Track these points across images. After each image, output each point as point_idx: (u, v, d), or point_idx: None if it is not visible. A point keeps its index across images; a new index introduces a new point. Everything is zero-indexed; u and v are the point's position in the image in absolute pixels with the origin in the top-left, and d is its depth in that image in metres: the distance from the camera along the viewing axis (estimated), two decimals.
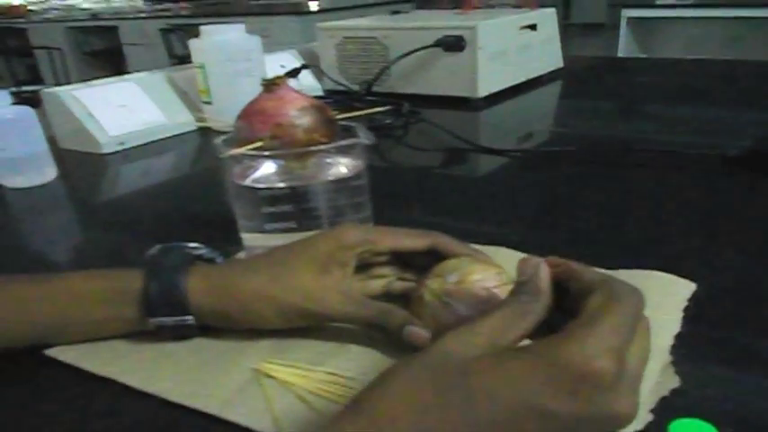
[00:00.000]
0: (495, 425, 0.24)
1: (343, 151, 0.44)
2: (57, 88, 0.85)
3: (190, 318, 0.36)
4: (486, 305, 0.35)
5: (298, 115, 0.42)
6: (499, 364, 0.25)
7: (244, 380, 0.34)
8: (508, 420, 0.24)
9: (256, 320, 0.37)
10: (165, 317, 0.36)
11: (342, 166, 0.45)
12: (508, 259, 0.37)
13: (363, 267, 0.40)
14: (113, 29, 4.05)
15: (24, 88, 3.70)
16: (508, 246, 0.45)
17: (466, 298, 0.35)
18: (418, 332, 0.35)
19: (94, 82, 0.89)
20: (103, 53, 4.30)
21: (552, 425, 0.24)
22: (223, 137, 0.44)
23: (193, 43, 0.87)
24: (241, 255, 0.47)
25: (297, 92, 0.44)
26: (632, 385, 0.25)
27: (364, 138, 0.43)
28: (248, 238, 0.46)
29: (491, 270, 0.36)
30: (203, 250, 0.40)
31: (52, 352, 0.37)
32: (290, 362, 0.35)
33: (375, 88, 1.00)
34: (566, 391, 0.24)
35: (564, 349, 0.25)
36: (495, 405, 0.24)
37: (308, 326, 0.37)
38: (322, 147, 0.42)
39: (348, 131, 0.45)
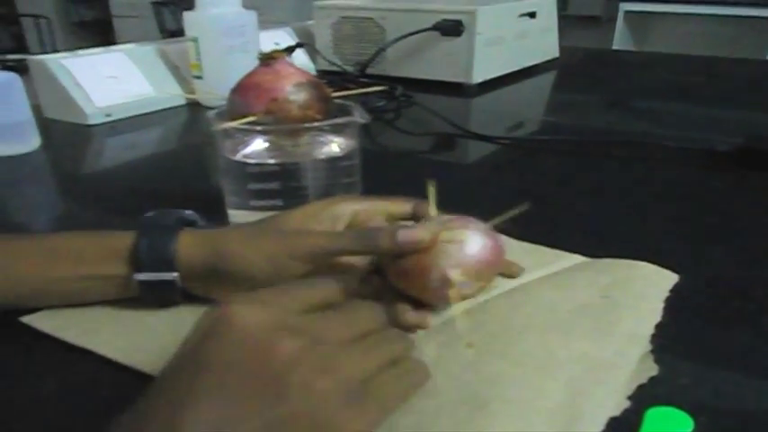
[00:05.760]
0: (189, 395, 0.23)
1: (337, 130, 0.44)
2: (44, 56, 0.83)
3: (175, 274, 0.36)
4: (487, 233, 0.36)
5: (294, 91, 0.42)
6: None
7: None
8: (189, 375, 0.24)
9: (245, 271, 0.35)
10: (150, 272, 0.36)
11: (334, 145, 0.45)
12: None
13: None
14: None
15: (9, 56, 3.63)
16: None
17: (467, 223, 0.36)
18: (412, 231, 0.34)
19: (83, 51, 0.87)
20: (92, 24, 4.22)
21: (207, 369, 0.24)
22: (216, 110, 0.43)
23: (187, 15, 0.85)
24: None
25: (294, 67, 0.44)
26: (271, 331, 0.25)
27: (359, 117, 0.42)
28: (235, 214, 0.46)
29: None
30: (197, 219, 0.40)
31: (29, 319, 0.37)
32: None
33: (369, 70, 0.99)
34: (204, 330, 0.25)
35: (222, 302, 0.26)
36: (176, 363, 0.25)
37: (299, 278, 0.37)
38: (316, 123, 0.42)
39: (343, 110, 0.44)
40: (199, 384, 0.23)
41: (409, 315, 0.34)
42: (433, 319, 0.36)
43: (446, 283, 0.34)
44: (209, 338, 0.25)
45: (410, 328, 0.34)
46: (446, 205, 0.37)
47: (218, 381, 0.23)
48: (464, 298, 0.35)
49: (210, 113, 0.42)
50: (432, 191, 0.36)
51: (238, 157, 0.44)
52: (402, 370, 0.29)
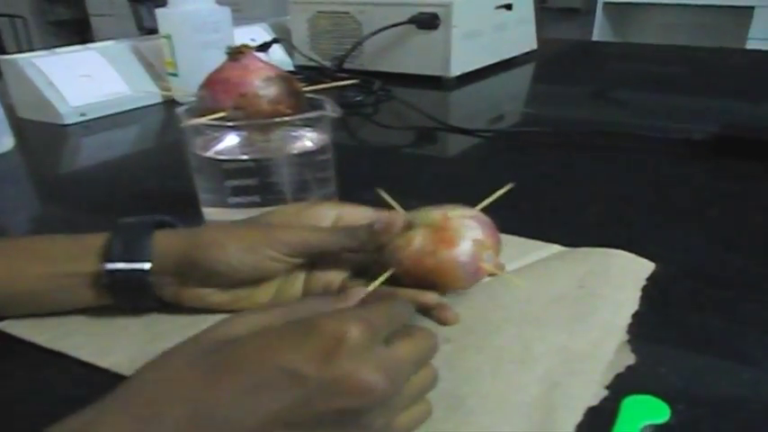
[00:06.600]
0: (256, 389, 0.23)
1: (309, 124, 0.44)
2: (16, 55, 0.82)
3: (147, 265, 0.34)
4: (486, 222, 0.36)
5: (263, 86, 0.41)
6: (259, 330, 0.26)
7: None
8: (263, 384, 0.23)
9: (223, 261, 0.34)
10: (121, 262, 0.34)
11: (307, 140, 0.44)
12: None
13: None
14: None
15: None
16: None
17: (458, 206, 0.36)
18: (389, 217, 0.34)
19: (57, 50, 0.86)
20: (69, 23, 4.15)
21: (301, 388, 0.23)
22: (185, 106, 0.42)
23: (160, 12, 0.84)
24: None
25: (263, 61, 0.43)
26: (388, 368, 0.25)
27: (331, 111, 0.42)
28: (210, 212, 0.45)
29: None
30: (177, 223, 0.39)
31: (1, 326, 0.36)
32: None
33: (347, 65, 0.99)
34: (318, 353, 0.24)
35: (323, 317, 0.25)
36: (252, 369, 0.24)
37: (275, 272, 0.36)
38: (287, 118, 0.41)
39: (315, 104, 0.44)
40: (288, 395, 0.23)
41: (429, 296, 0.35)
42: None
43: (479, 250, 0.34)
44: (309, 351, 0.24)
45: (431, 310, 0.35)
46: (427, 199, 0.37)
47: (307, 399, 0.23)
48: (490, 274, 0.35)
49: (179, 110, 0.41)
50: (385, 195, 0.35)
51: (210, 153, 0.43)
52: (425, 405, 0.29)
